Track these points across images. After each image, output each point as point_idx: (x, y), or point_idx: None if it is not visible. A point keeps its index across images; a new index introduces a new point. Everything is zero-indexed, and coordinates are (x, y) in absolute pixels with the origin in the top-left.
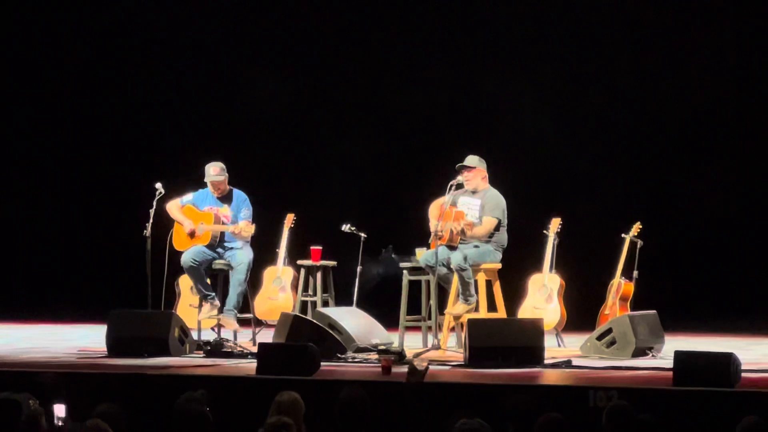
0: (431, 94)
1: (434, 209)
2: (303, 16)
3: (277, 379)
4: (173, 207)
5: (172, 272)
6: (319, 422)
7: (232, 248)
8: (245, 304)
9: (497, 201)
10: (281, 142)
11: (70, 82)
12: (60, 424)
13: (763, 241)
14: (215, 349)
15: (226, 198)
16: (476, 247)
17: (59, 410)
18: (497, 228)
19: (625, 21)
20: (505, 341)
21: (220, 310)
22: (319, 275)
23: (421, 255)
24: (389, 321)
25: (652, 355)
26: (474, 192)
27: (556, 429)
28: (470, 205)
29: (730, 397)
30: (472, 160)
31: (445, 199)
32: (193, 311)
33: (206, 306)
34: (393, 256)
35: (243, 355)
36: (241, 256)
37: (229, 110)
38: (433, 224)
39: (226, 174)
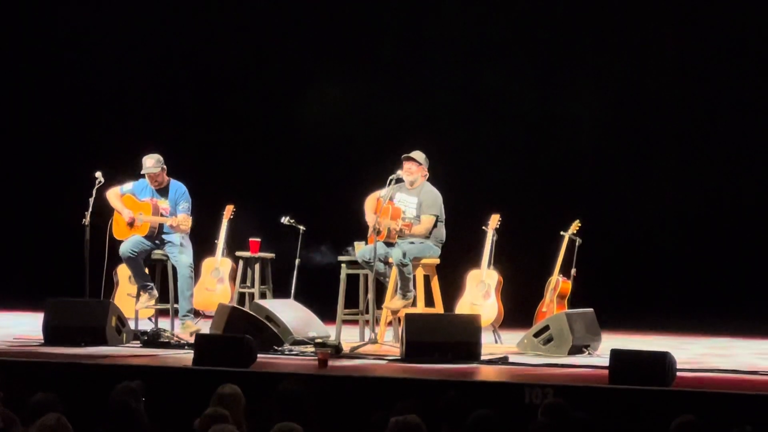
0: (371, 89)
1: (370, 202)
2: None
3: (213, 371)
4: (113, 195)
5: (112, 261)
6: (254, 414)
7: (171, 242)
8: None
9: (434, 198)
10: (221, 133)
11: (10, 67)
12: None
13: (699, 240)
14: (152, 339)
15: (164, 190)
16: (412, 243)
17: None
18: (435, 224)
19: (562, 17)
20: (442, 336)
21: (158, 300)
22: (257, 267)
23: (360, 249)
24: (327, 314)
25: (589, 353)
26: (411, 185)
27: (488, 425)
28: (407, 203)
29: (665, 395)
30: (419, 155)
31: (383, 193)
32: (131, 301)
33: (144, 296)
34: (330, 251)
35: (180, 345)
36: (183, 258)
37: (169, 99)
38: (370, 217)
39: (163, 166)
